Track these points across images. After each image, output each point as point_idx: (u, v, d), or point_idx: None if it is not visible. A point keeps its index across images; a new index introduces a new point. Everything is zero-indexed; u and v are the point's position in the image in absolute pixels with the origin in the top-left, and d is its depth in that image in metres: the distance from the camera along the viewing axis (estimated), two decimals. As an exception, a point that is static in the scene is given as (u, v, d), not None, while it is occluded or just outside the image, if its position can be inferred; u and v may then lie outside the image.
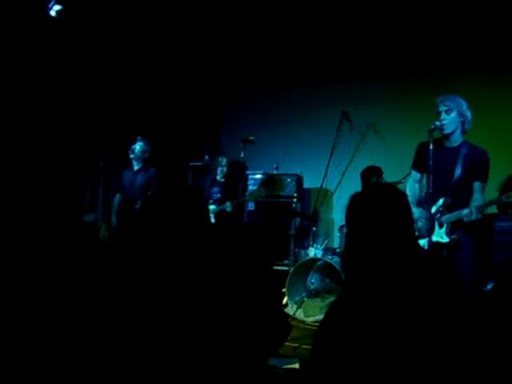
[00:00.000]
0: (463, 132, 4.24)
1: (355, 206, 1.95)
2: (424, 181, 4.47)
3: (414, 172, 4.57)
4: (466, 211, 3.99)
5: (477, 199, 4.10)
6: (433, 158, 4.14)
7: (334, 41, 7.05)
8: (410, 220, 1.95)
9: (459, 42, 6.71)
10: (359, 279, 1.86)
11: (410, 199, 4.43)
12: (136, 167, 6.71)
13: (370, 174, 6.83)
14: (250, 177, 7.98)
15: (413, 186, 4.56)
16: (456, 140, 4.25)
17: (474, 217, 3.96)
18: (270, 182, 7.69)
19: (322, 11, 6.33)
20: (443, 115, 4.17)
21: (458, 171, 4.15)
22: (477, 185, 4.17)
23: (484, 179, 4.19)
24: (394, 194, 1.96)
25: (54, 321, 2.01)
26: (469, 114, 4.20)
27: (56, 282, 2.19)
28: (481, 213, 4.01)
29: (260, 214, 7.87)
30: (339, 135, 7.49)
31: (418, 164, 4.50)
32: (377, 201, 1.91)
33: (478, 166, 4.16)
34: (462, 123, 4.20)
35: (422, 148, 4.43)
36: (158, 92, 8.08)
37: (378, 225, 1.85)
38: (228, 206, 6.55)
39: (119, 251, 2.37)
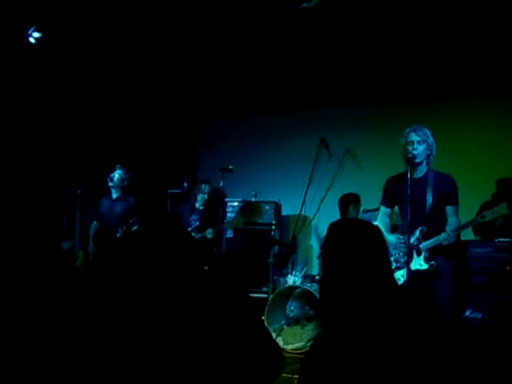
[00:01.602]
0: (428, 163, 4.35)
1: (331, 242, 1.96)
2: (397, 213, 4.58)
3: (383, 207, 4.67)
4: (443, 235, 4.07)
5: (452, 222, 4.18)
6: (402, 190, 4.22)
7: (311, 68, 7.13)
8: (385, 255, 1.96)
9: (434, 70, 6.84)
10: (337, 314, 1.86)
11: (383, 229, 4.54)
12: (115, 195, 6.68)
13: (348, 201, 6.89)
14: (229, 204, 7.97)
15: (383, 219, 4.67)
16: (422, 170, 4.37)
17: (452, 239, 4.04)
18: (248, 209, 7.69)
19: (298, 40, 6.40)
20: (416, 145, 4.28)
21: (429, 200, 4.25)
22: (449, 209, 4.27)
23: (455, 202, 4.30)
24: (369, 229, 1.98)
25: (23, 351, 1.98)
26: (434, 148, 4.33)
27: (29, 310, 2.16)
28: (458, 235, 4.10)
29: (239, 242, 7.85)
30: (317, 162, 7.54)
31: (388, 199, 4.63)
32: (352, 237, 1.92)
33: (448, 192, 4.28)
34: (428, 156, 4.33)
35: (389, 184, 4.60)
36: (136, 120, 8.08)
37: (353, 260, 1.86)
38: (209, 233, 6.53)
39: (95, 282, 2.33)
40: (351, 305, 1.82)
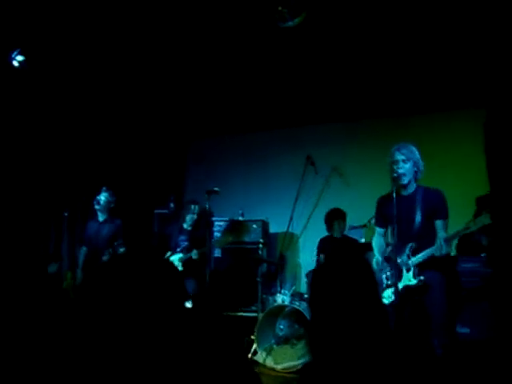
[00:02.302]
0: (416, 180, 4.37)
1: (319, 281, 1.98)
2: (388, 231, 4.60)
3: (377, 228, 4.74)
4: (435, 246, 4.05)
5: (441, 236, 4.17)
6: (391, 208, 4.23)
7: (296, 86, 7.17)
8: (375, 291, 1.98)
9: (421, 84, 6.90)
10: (327, 342, 1.87)
11: (376, 250, 4.57)
12: (101, 218, 6.65)
13: (333, 217, 6.93)
14: (216, 223, 7.96)
15: (378, 240, 4.69)
16: (411, 188, 4.39)
17: (444, 250, 4.04)
18: (235, 228, 7.68)
19: (282, 58, 6.45)
20: (401, 164, 4.30)
21: (418, 217, 4.26)
22: (439, 223, 4.28)
23: (445, 216, 4.31)
24: (358, 266, 1.99)
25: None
26: (421, 163, 4.35)
27: (15, 332, 2.15)
28: (449, 245, 4.12)
29: (227, 261, 7.83)
30: (304, 179, 7.56)
31: (380, 219, 4.66)
32: (341, 276, 1.93)
33: (437, 206, 4.29)
34: (416, 172, 4.34)
35: (380, 203, 4.62)
36: (122, 142, 8.08)
37: (343, 298, 1.88)
38: (194, 254, 6.51)
39: (82, 306, 2.32)
40: (341, 333, 1.83)
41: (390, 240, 4.58)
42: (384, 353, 1.80)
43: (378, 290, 2.03)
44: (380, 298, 2.03)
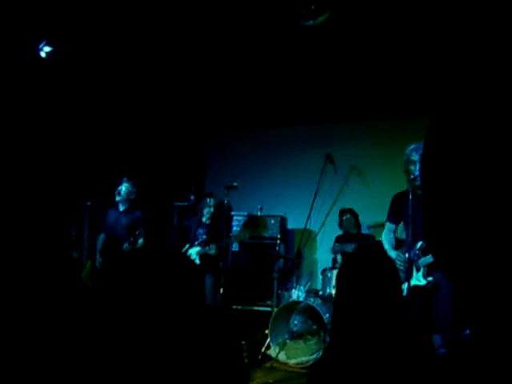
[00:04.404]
0: None
1: (347, 273, 2.04)
2: (399, 229, 4.61)
3: (388, 223, 4.72)
4: None
5: None
6: (405, 207, 4.27)
7: (317, 84, 7.18)
8: (398, 285, 2.03)
9: (437, 84, 6.87)
10: (347, 331, 1.93)
11: (386, 246, 4.57)
12: (122, 208, 6.73)
13: (341, 213, 7.18)
14: (235, 218, 8.02)
15: (388, 235, 4.73)
16: None
17: None
18: (253, 222, 7.73)
19: (303, 56, 6.45)
20: (418, 165, 4.30)
21: None
22: None
23: None
24: (383, 263, 2.05)
25: (24, 353, 2.03)
26: None
27: (37, 319, 2.21)
28: None
29: (244, 255, 7.89)
30: (323, 177, 7.59)
31: (394, 216, 4.68)
32: (369, 271, 1.99)
33: None
34: None
35: (396, 200, 4.62)
36: (144, 134, 8.17)
37: (368, 292, 1.94)
38: (212, 249, 6.56)
39: (100, 298, 2.40)
40: (362, 323, 1.89)
41: (399, 235, 4.60)
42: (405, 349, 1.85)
43: (401, 287, 2.09)
44: (402, 295, 2.08)
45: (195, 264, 2.20)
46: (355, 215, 7.12)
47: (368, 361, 1.81)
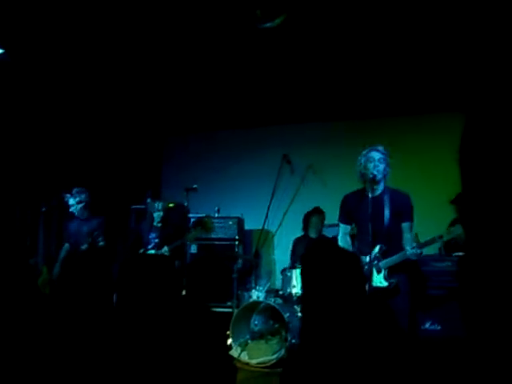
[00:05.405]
0: (385, 181, 4.47)
1: (310, 268, 2.06)
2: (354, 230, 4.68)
3: (342, 225, 4.71)
4: (412, 250, 4.16)
5: (407, 238, 4.32)
6: (361, 208, 4.34)
7: (273, 84, 7.21)
8: (362, 281, 2.07)
9: (392, 87, 7.02)
10: (316, 329, 1.96)
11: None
12: (82, 217, 6.60)
13: (311, 213, 7.12)
14: (192, 220, 7.99)
15: (344, 238, 4.69)
16: (379, 188, 4.45)
17: (417, 256, 4.18)
18: (200, 224, 7.64)
19: (260, 57, 6.48)
20: (377, 163, 4.38)
21: (386, 217, 4.33)
22: (406, 225, 4.39)
23: (411, 219, 4.41)
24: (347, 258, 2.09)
25: None
26: (389, 168, 4.44)
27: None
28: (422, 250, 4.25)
29: (203, 257, 7.87)
30: (280, 177, 7.66)
31: (346, 216, 4.67)
32: (332, 265, 2.02)
33: (404, 209, 4.39)
34: (385, 175, 4.44)
35: (346, 201, 4.65)
36: (99, 139, 8.07)
37: (332, 286, 1.97)
38: (165, 251, 6.51)
39: (59, 298, 2.38)
40: (330, 320, 1.93)
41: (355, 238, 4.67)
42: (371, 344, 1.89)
43: (365, 284, 2.14)
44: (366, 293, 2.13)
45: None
46: (323, 215, 7.13)
47: (339, 354, 1.84)
